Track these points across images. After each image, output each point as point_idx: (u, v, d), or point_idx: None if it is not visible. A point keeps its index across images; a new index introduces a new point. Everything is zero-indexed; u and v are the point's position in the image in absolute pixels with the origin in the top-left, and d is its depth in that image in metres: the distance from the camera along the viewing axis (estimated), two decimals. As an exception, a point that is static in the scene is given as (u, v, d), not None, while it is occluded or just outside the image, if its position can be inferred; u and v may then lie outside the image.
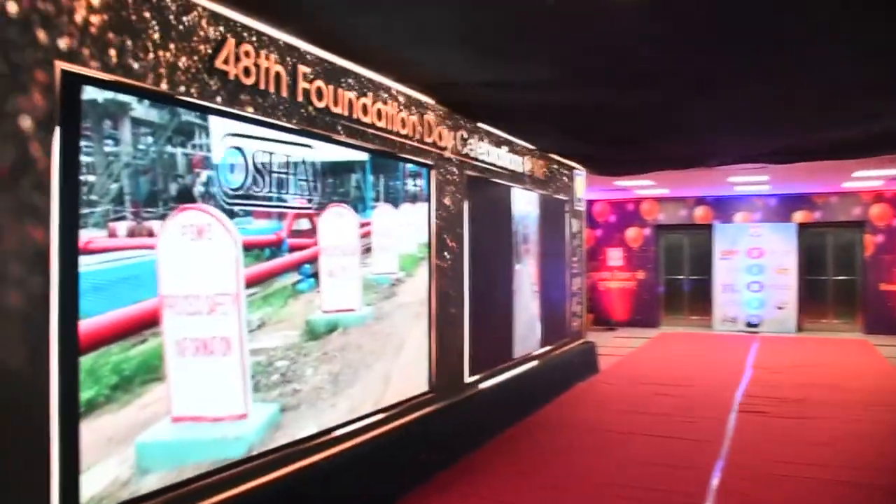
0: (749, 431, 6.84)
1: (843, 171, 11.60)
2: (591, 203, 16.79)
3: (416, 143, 5.54)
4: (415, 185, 5.57)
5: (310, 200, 4.28)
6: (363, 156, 4.86)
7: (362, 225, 4.87)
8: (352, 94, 4.66)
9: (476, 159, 6.66)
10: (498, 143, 7.18)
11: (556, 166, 9.16)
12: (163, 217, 3.21)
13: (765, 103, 6.38)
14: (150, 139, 3.16)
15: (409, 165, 5.46)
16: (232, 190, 3.63)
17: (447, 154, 6.09)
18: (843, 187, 14.21)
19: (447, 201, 6.09)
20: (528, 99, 5.84)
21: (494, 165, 7.11)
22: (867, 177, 12.25)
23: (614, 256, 16.81)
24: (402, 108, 5.32)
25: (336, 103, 4.49)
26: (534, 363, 8.09)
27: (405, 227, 5.44)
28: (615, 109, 6.28)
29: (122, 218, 3.00)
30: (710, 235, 16.06)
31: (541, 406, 7.84)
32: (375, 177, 5.03)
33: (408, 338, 5.44)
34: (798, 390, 8.74)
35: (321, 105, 4.34)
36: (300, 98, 4.16)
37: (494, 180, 7.12)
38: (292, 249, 4.12)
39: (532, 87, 5.39)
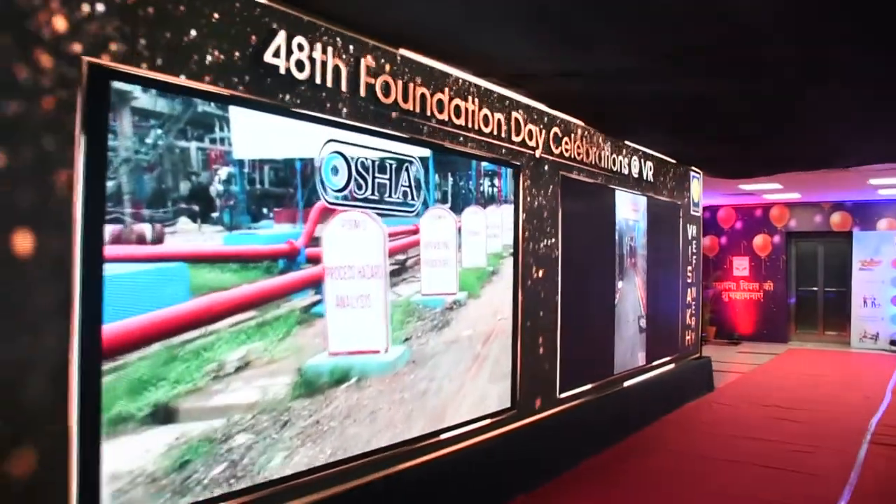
0: (881, 467, 6.02)
1: None
2: (715, 208, 15.83)
3: (498, 142, 5.17)
4: (491, 187, 5.17)
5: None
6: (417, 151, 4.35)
7: (397, 235, 4.18)
8: (425, 90, 4.36)
9: (572, 160, 6.21)
10: (598, 143, 6.69)
11: (668, 168, 8.52)
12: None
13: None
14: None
15: (486, 164, 5.08)
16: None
17: (538, 154, 5.68)
18: None
19: (537, 205, 5.67)
20: (621, 91, 5.33)
21: (595, 167, 6.62)
22: None
23: (740, 266, 15.73)
24: (482, 103, 4.97)
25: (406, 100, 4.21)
26: (637, 379, 7.51)
27: (473, 236, 4.96)
28: (725, 103, 5.67)
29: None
30: (849, 243, 14.71)
31: (643, 426, 7.26)
32: (436, 175, 4.54)
33: (458, 392, 4.75)
34: (945, 421, 7.72)
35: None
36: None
37: (595, 182, 6.63)
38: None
39: (622, 78, 4.89)
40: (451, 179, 4.69)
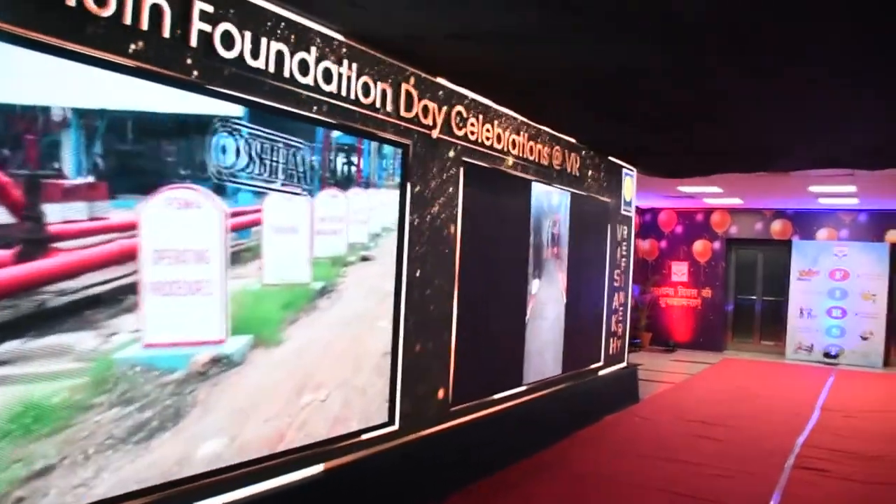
0: (801, 495, 5.50)
1: (947, 185, 9.94)
2: (656, 211, 15.39)
3: (381, 116, 4.47)
4: (346, 164, 4.28)
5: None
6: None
7: (237, 215, 3.35)
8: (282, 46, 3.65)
9: (480, 144, 5.55)
10: (513, 127, 6.05)
11: (597, 162, 7.93)
12: None
13: (848, 86, 5.08)
14: None
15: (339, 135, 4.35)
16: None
17: (436, 135, 5.00)
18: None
19: (432, 194, 5.00)
20: (527, 61, 4.67)
21: (507, 154, 5.98)
22: (976, 193, 10.51)
23: (679, 271, 15.32)
24: (363, 70, 4.27)
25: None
26: (551, 390, 6.90)
27: (335, 222, 4.14)
28: (649, 78, 5.04)
29: None
30: (788, 252, 14.38)
31: (551, 444, 6.64)
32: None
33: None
34: (874, 444, 7.25)
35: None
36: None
37: (505, 171, 5.99)
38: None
39: (520, 40, 4.22)
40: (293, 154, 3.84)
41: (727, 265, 15.12)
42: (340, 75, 4.08)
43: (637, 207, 15.16)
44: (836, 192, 11.34)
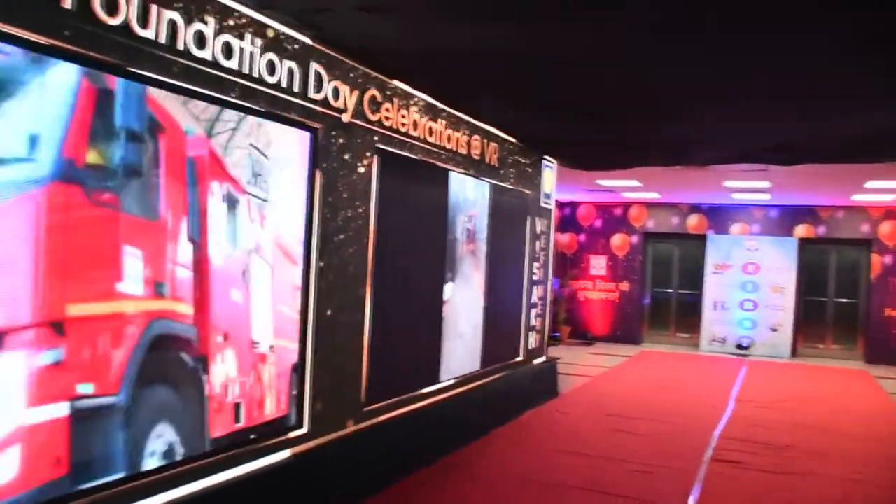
0: (721, 491, 5.45)
1: (855, 181, 10.21)
2: (575, 205, 15.44)
3: (286, 96, 4.16)
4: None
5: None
6: None
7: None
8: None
9: (395, 131, 5.28)
10: (430, 114, 5.80)
11: (516, 153, 7.77)
12: None
13: (764, 80, 5.05)
14: None
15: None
16: None
17: (347, 119, 4.71)
18: (851, 200, 12.81)
19: (344, 182, 4.70)
20: (438, 40, 4.43)
21: (424, 142, 5.73)
22: (880, 188, 10.84)
23: (598, 265, 15.41)
24: (268, 46, 3.94)
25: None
26: (469, 386, 6.71)
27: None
28: (568, 66, 4.88)
29: None
30: (703, 247, 14.64)
31: (472, 440, 6.45)
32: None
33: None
34: (786, 434, 7.34)
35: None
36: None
37: (424, 160, 5.74)
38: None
39: (437, 21, 3.99)
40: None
41: (644, 259, 15.29)
42: (242, 51, 3.75)
43: (556, 201, 15.20)
44: (749, 187, 11.54)
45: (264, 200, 3.98)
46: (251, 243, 3.91)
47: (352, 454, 4.76)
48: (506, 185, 7.46)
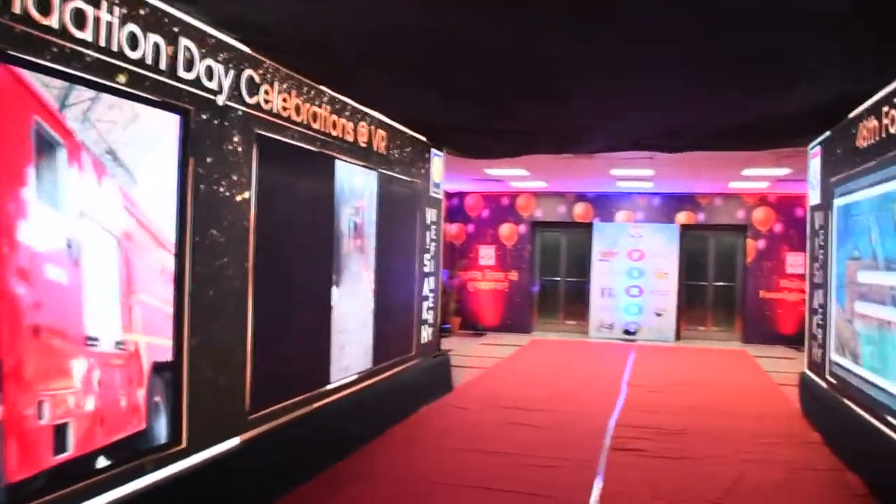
0: (622, 480, 5.32)
1: (733, 169, 10.48)
2: (463, 195, 15.28)
3: (153, 74, 3.66)
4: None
5: None
6: None
7: None
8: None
9: (276, 116, 4.84)
10: (314, 98, 5.38)
11: (405, 141, 7.44)
12: None
13: (651, 70, 4.97)
14: None
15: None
16: None
17: (222, 101, 4.24)
18: (729, 188, 13.23)
19: (220, 170, 4.23)
20: (315, 15, 4.05)
21: (308, 128, 5.30)
22: (756, 176, 11.20)
23: (486, 255, 15.32)
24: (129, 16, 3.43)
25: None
26: (362, 385, 6.34)
27: None
28: (457, 48, 4.61)
29: None
30: (590, 235, 14.81)
31: (367, 441, 6.10)
32: None
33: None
34: (679, 417, 7.37)
35: None
36: None
37: (308, 148, 5.31)
38: None
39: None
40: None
41: (533, 248, 15.32)
42: (98, 20, 3.23)
43: (444, 192, 15.02)
44: (634, 175, 11.68)
45: (122, 180, 3.44)
46: (93, 218, 3.22)
47: (236, 467, 4.31)
48: (395, 174, 7.12)
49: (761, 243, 14.06)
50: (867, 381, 5.48)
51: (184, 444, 3.91)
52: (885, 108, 5.25)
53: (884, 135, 5.31)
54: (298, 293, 5.28)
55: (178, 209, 3.88)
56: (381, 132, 6.76)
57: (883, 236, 5.16)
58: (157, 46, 3.65)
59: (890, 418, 4.95)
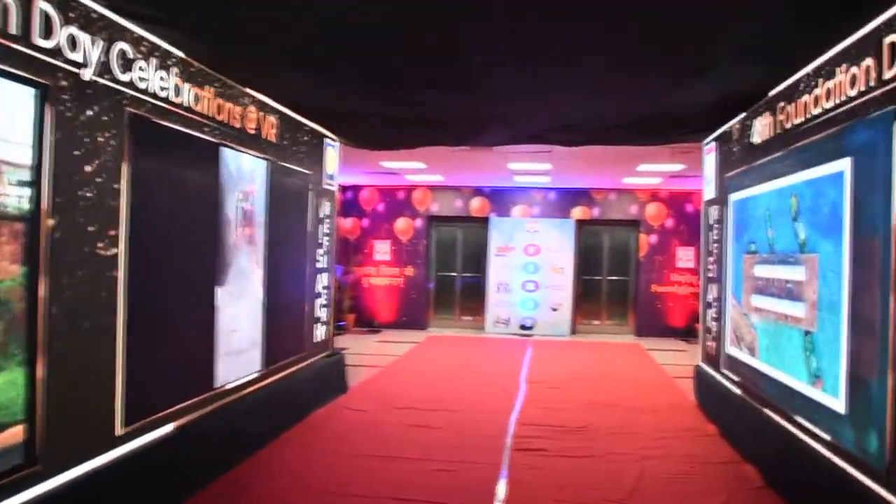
0: (526, 483, 5.13)
1: (628, 164, 10.55)
2: (357, 188, 14.88)
3: (4, 42, 3.16)
4: None
5: None
6: None
7: None
8: None
9: (153, 95, 4.36)
10: (194, 77, 4.91)
11: (297, 130, 7.02)
12: None
13: (557, 62, 4.81)
14: None
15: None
16: None
17: (89, 76, 3.75)
18: (623, 184, 13.40)
19: (87, 152, 3.74)
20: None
21: (190, 111, 4.83)
22: (650, 171, 11.34)
23: (382, 250, 14.98)
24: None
25: None
26: (251, 390, 5.90)
27: None
28: (350, 29, 4.28)
29: None
30: (486, 230, 14.72)
31: (257, 450, 5.69)
32: None
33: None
34: (579, 413, 7.29)
35: None
36: None
37: (187, 132, 4.84)
38: None
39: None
40: None
41: (429, 243, 15.09)
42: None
43: (339, 185, 14.56)
44: (532, 169, 11.62)
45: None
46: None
47: (105, 488, 3.83)
48: (286, 164, 6.69)
49: (653, 238, 14.33)
50: (763, 374, 5.51)
51: (38, 467, 3.43)
52: (781, 104, 5.28)
53: (779, 130, 5.33)
54: (179, 293, 4.81)
55: (33, 198, 3.38)
56: (272, 119, 6.33)
57: (779, 231, 5.17)
58: (4, 7, 3.16)
59: (786, 410, 4.96)
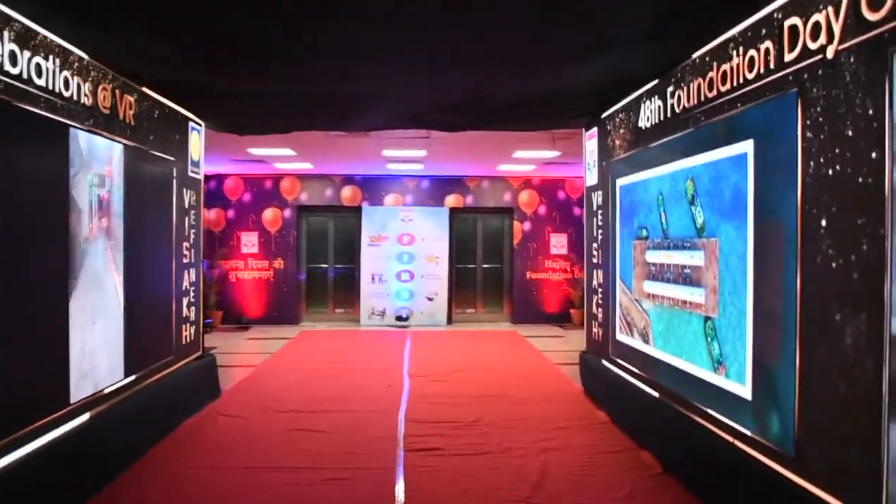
0: (426, 486, 4.82)
1: (506, 149, 10.44)
2: (221, 177, 14.07)
3: None
4: None
5: None
6: None
7: None
8: None
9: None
10: (34, 45, 4.24)
11: (157, 111, 6.35)
12: None
13: (438, 37, 4.52)
14: None
15: None
16: None
17: None
18: (497, 171, 13.34)
19: None
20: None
21: (27, 82, 4.16)
22: (525, 158, 11.30)
23: (249, 242, 14.23)
24: None
25: None
26: (112, 403, 5.26)
27: None
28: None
29: None
30: (359, 219, 14.29)
31: (122, 470, 5.06)
32: None
33: None
34: (468, 407, 7.06)
35: None
36: None
37: (30, 109, 4.17)
38: None
39: None
40: None
41: (299, 234, 14.49)
42: None
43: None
44: (406, 156, 11.30)
45: None
46: None
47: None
48: (146, 148, 6.03)
49: (527, 225, 14.39)
50: (658, 361, 5.46)
51: None
52: (671, 89, 5.21)
53: (671, 114, 5.27)
54: (19, 294, 4.14)
55: None
56: (129, 98, 5.66)
57: (674, 215, 5.11)
58: None
59: (685, 397, 4.92)
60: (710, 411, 4.52)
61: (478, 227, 14.76)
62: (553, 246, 14.33)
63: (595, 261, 7.55)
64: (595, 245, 7.54)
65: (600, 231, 7.30)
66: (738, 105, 4.12)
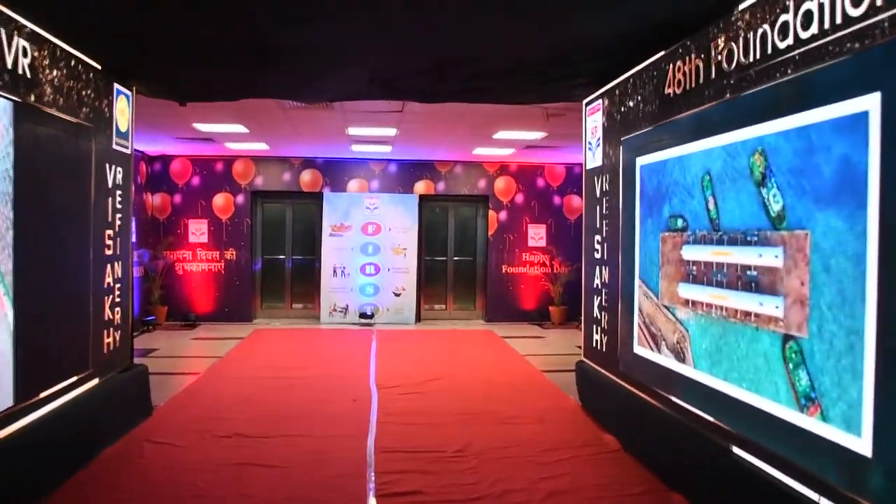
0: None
1: (486, 128, 9.29)
2: (167, 159, 12.68)
3: None
4: None
5: None
6: None
7: None
8: None
9: None
10: None
11: (71, 68, 5.05)
12: None
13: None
14: None
15: None
16: None
17: None
18: (471, 155, 12.17)
19: None
20: None
21: None
22: (506, 140, 10.17)
23: (197, 230, 12.87)
24: None
25: None
26: (2, 435, 4.01)
27: None
28: None
29: None
30: (320, 206, 13.03)
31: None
32: None
33: None
34: (451, 430, 5.92)
35: None
36: None
37: None
38: None
39: None
40: None
41: (253, 222, 13.18)
42: None
43: (145, 155, 12.28)
44: (374, 135, 10.08)
45: None
46: None
47: None
48: (52, 111, 4.75)
49: (503, 215, 13.26)
50: (701, 386, 4.35)
51: None
52: (718, 40, 4.10)
53: (713, 75, 4.17)
54: None
55: None
56: (29, 44, 4.37)
57: (727, 201, 4.01)
58: None
59: (749, 439, 3.81)
60: (794, 461, 3.41)
61: (449, 217, 13.59)
62: (531, 238, 13.22)
63: (598, 256, 6.45)
64: (598, 238, 6.43)
65: (606, 221, 6.19)
66: (846, 48, 3.01)
